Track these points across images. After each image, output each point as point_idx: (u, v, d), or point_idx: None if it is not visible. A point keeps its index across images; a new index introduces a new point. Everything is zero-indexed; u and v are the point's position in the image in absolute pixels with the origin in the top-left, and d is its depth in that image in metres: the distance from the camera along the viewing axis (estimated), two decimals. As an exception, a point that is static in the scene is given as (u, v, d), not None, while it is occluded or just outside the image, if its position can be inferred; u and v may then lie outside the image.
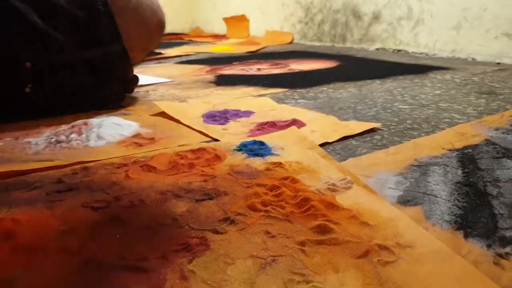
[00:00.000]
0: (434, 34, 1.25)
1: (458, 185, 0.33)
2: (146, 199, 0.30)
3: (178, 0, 2.52)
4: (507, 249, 0.24)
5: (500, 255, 0.23)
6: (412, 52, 1.31)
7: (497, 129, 0.48)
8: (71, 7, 0.53)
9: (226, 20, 2.24)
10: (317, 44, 1.67)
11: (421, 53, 1.29)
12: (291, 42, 1.77)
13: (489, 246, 0.24)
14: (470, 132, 0.46)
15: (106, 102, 0.61)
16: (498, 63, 1.08)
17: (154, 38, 0.62)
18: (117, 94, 0.63)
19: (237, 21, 2.15)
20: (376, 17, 1.41)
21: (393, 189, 0.32)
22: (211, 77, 0.89)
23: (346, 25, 1.53)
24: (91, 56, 0.55)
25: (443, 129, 0.49)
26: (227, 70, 0.98)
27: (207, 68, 1.03)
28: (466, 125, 0.50)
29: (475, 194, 0.31)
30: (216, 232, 0.26)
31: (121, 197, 0.31)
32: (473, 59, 1.15)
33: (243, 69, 0.99)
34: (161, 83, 0.81)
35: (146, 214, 0.28)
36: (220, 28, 2.37)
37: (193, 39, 2.21)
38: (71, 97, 0.57)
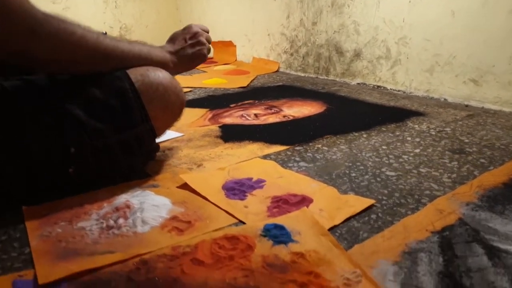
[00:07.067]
0: (410, 74, 1.38)
1: (440, 275, 0.43)
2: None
3: (165, 21, 2.57)
4: None
5: None
6: (390, 89, 1.44)
7: (467, 204, 0.59)
8: (106, 98, 0.61)
9: (213, 43, 2.32)
10: (302, 74, 1.78)
11: (398, 91, 1.41)
12: (277, 71, 1.87)
13: None
14: (447, 210, 0.57)
15: (133, 171, 0.69)
16: (467, 106, 1.22)
17: (176, 117, 0.71)
18: (142, 162, 0.72)
19: (224, 45, 2.24)
20: (357, 55, 1.53)
21: (392, 281, 0.42)
22: (215, 128, 0.98)
23: (329, 59, 1.64)
24: (125, 138, 0.62)
25: (425, 204, 0.59)
26: (228, 118, 1.07)
27: (209, 114, 1.11)
28: (443, 200, 0.61)
29: (454, 286, 0.41)
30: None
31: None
32: (445, 99, 1.28)
33: (243, 116, 1.09)
34: (173, 138, 0.89)
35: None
36: (206, 50, 2.45)
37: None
38: (107, 173, 0.64)
